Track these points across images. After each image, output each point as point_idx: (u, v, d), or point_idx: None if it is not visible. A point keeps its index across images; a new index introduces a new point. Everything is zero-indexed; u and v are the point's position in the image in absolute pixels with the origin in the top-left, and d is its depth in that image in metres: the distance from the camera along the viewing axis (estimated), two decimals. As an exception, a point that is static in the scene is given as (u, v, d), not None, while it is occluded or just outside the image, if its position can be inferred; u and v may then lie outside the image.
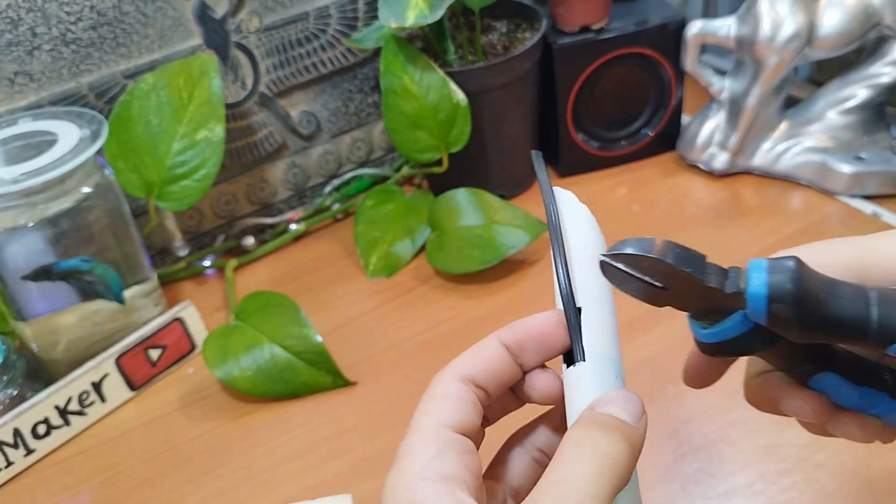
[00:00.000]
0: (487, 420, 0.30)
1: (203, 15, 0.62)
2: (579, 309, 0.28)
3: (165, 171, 0.59)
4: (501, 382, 0.29)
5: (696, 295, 0.25)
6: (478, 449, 0.28)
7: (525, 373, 0.29)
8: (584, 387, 0.27)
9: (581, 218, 0.30)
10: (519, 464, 0.30)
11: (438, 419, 0.27)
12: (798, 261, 0.24)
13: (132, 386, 0.57)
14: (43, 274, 0.53)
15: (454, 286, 0.63)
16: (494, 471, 0.31)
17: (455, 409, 0.27)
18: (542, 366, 0.29)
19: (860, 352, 0.28)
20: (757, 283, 0.24)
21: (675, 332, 0.54)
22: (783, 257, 0.25)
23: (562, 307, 0.29)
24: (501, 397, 0.30)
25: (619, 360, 0.28)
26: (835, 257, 0.26)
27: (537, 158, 0.31)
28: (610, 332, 0.28)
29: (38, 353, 0.56)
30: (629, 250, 0.25)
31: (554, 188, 0.31)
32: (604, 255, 0.25)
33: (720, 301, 0.25)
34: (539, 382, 0.29)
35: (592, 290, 0.29)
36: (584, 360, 0.27)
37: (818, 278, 0.25)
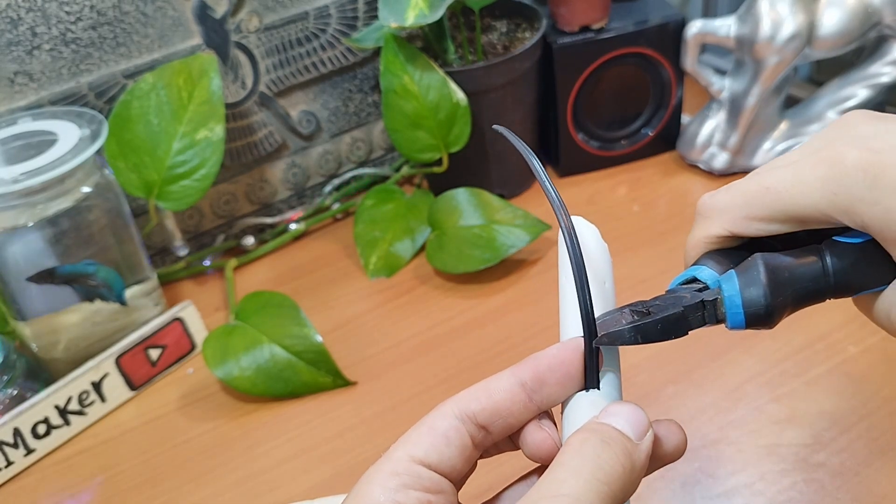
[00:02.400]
0: (482, 455, 0.28)
1: (203, 15, 0.62)
2: (597, 336, 0.27)
3: (165, 171, 0.59)
4: (508, 423, 0.27)
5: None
6: (461, 485, 0.27)
7: (539, 415, 0.27)
8: (593, 412, 0.27)
9: (597, 247, 0.29)
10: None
11: (413, 452, 0.26)
12: (764, 269, 0.27)
13: (132, 385, 0.57)
14: (46, 277, 0.53)
15: (454, 286, 0.63)
16: None
17: (435, 446, 0.26)
18: (547, 420, 0.28)
19: None
20: (735, 319, 0.27)
21: (674, 331, 0.54)
22: (750, 267, 0.27)
23: (568, 337, 0.28)
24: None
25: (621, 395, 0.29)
26: (773, 211, 0.27)
27: (536, 164, 0.28)
28: (619, 372, 0.28)
29: (37, 353, 0.56)
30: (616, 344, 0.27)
31: (583, 221, 0.29)
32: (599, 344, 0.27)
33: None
34: (532, 438, 0.27)
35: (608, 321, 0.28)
36: (598, 389, 0.27)
37: (782, 277, 0.27)
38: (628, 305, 0.28)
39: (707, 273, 0.28)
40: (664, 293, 0.29)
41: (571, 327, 0.28)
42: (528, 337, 0.57)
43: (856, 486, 0.44)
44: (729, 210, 0.28)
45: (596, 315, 0.27)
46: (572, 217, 0.29)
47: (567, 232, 0.27)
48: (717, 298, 0.27)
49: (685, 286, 0.29)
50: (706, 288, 0.28)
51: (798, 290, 0.27)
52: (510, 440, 0.28)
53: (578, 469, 0.23)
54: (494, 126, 0.31)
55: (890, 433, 0.46)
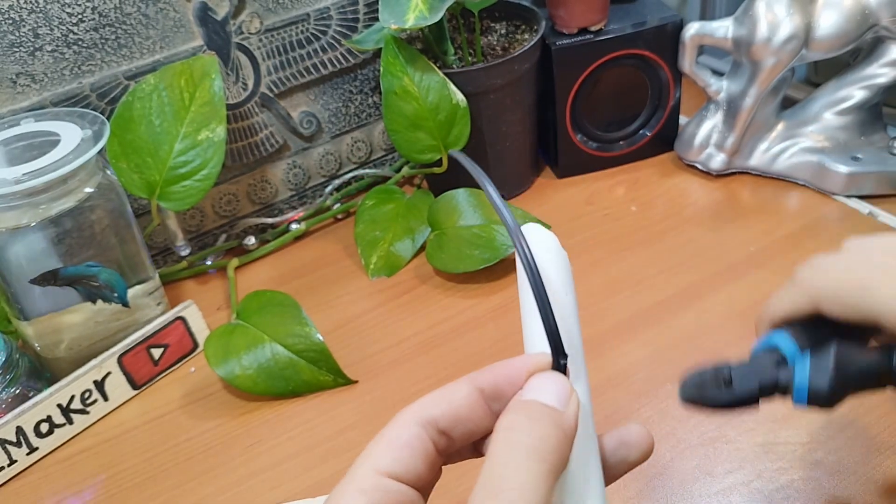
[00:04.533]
0: (445, 462, 0.28)
1: (204, 16, 0.62)
2: (565, 355, 0.27)
3: (167, 172, 0.59)
4: (469, 429, 0.27)
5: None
6: (428, 492, 0.27)
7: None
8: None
9: (556, 257, 0.29)
10: None
11: (377, 465, 0.25)
12: (835, 361, 0.31)
13: (134, 384, 0.57)
14: (49, 278, 0.53)
15: (454, 285, 0.63)
16: None
17: (399, 456, 0.25)
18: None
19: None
20: (799, 400, 0.32)
21: (673, 330, 0.55)
22: (823, 354, 0.31)
23: (533, 350, 0.28)
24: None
25: (591, 407, 0.28)
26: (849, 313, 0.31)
27: (485, 184, 0.27)
28: (587, 381, 0.28)
29: (40, 352, 0.57)
30: (701, 401, 0.33)
31: (523, 226, 0.28)
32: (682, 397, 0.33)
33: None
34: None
35: (574, 338, 0.28)
36: None
37: (850, 370, 0.31)
38: (714, 366, 0.33)
39: (788, 345, 0.33)
40: (749, 358, 0.34)
41: (536, 342, 0.28)
42: (528, 336, 0.57)
43: (852, 484, 0.44)
44: (821, 293, 0.32)
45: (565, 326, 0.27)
46: (528, 224, 0.29)
47: (526, 260, 0.26)
48: (788, 381, 0.32)
49: (767, 353, 0.33)
50: (784, 361, 0.32)
51: (862, 383, 0.31)
52: (474, 447, 0.28)
53: (514, 457, 0.23)
54: (450, 151, 0.32)
55: (886, 431, 0.46)
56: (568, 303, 0.29)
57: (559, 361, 0.26)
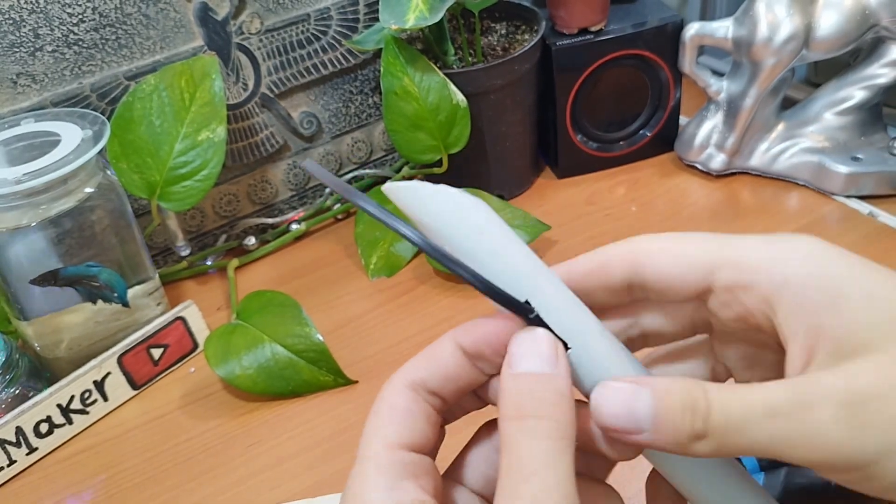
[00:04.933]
0: (445, 420, 0.27)
1: (205, 17, 0.62)
2: (527, 303, 0.24)
3: (167, 172, 0.59)
4: (458, 388, 0.26)
5: None
6: (436, 454, 0.26)
7: (490, 376, 0.26)
8: (582, 375, 0.25)
9: (450, 205, 0.25)
10: (482, 465, 0.27)
11: (389, 440, 0.24)
12: (784, 483, 0.36)
13: (134, 385, 0.57)
14: (49, 279, 0.53)
15: (453, 286, 0.63)
16: (456, 472, 0.27)
17: (405, 424, 0.24)
18: None
19: None
20: None
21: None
22: (776, 475, 0.36)
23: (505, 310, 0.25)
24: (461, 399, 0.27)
25: (598, 324, 0.25)
26: (692, 252, 0.25)
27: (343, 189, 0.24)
28: (570, 299, 0.25)
29: (40, 352, 0.57)
30: None
31: (396, 185, 0.25)
32: None
33: None
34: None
35: (523, 269, 0.24)
36: (569, 348, 0.24)
37: (795, 491, 0.36)
38: None
39: (749, 461, 0.37)
40: None
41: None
42: (528, 336, 0.57)
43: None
44: (641, 254, 0.27)
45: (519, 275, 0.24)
46: (388, 185, 0.26)
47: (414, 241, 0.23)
48: None
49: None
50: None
51: (806, 500, 0.35)
52: (475, 396, 0.27)
53: (530, 447, 0.22)
54: (302, 163, 0.29)
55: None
56: (494, 236, 0.25)
57: (528, 316, 0.24)
